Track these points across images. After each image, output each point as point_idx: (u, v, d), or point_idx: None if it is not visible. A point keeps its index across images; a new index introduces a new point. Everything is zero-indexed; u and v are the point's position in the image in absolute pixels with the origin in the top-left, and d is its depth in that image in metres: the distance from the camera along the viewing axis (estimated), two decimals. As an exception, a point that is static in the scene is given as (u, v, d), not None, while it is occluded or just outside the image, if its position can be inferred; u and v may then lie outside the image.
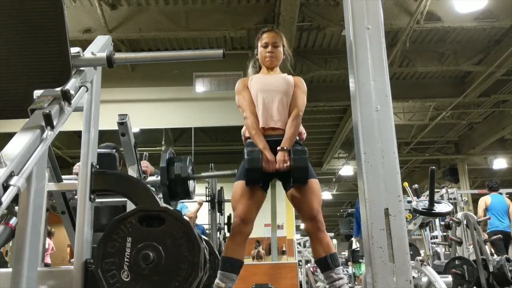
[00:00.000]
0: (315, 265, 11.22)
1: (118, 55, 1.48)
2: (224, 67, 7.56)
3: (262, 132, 2.27)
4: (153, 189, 2.73)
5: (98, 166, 1.59)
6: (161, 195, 2.75)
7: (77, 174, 2.72)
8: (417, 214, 3.59)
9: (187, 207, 6.75)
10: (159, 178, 2.68)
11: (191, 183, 2.82)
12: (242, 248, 2.17)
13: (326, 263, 2.13)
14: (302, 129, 2.44)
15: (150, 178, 2.77)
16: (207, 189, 6.12)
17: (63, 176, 2.09)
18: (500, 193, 6.88)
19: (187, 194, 2.75)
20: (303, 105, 2.36)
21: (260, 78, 2.43)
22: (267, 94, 2.34)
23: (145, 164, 2.85)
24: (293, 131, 2.26)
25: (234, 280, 2.11)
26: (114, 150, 2.83)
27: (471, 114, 10.38)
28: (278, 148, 2.18)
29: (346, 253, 13.60)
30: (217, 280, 2.08)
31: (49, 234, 7.80)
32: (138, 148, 2.54)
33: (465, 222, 4.49)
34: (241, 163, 2.23)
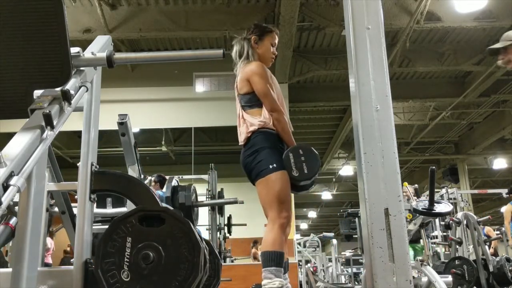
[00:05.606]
0: (315, 265, 11.21)
1: (118, 55, 1.48)
2: (224, 67, 7.55)
3: None
4: None
5: (98, 166, 1.59)
6: None
7: None
8: (417, 214, 3.58)
9: None
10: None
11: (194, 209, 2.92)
12: None
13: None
14: None
15: None
16: (208, 191, 6.12)
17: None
18: None
19: (191, 222, 2.82)
20: None
21: (275, 80, 2.42)
22: (282, 103, 2.40)
23: None
24: None
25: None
26: None
27: (471, 114, 10.37)
28: None
29: (346, 253, 13.59)
30: (275, 279, 1.97)
31: (51, 234, 7.78)
32: (138, 148, 2.54)
33: (465, 222, 4.49)
34: (272, 152, 2.20)
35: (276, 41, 2.44)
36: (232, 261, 6.35)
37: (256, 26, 2.47)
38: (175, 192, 2.76)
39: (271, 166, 2.14)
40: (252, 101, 2.29)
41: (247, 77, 2.29)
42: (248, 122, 2.27)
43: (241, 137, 2.31)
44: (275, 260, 2.02)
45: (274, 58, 2.47)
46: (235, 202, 2.67)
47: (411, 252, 3.80)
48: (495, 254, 7.45)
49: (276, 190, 2.12)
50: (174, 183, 2.79)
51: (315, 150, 2.21)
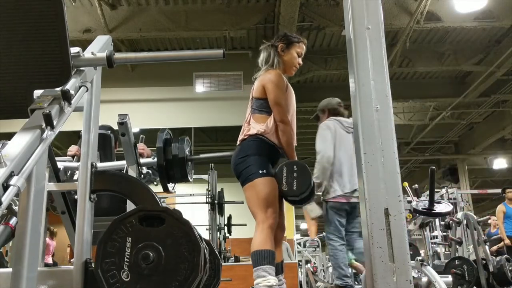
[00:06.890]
0: (315, 265, 11.20)
1: (118, 55, 1.48)
2: (224, 67, 7.56)
3: None
4: (149, 171, 2.65)
5: (97, 166, 1.59)
6: (157, 178, 2.63)
7: (72, 156, 2.71)
8: (417, 214, 3.58)
9: None
10: (155, 160, 2.56)
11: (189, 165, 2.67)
12: None
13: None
14: None
15: (146, 160, 2.63)
16: (208, 191, 6.12)
17: (58, 158, 2.05)
18: None
19: (185, 176, 2.62)
20: None
21: (291, 92, 2.47)
22: (293, 116, 2.47)
23: (141, 146, 2.77)
24: None
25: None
26: (110, 131, 2.83)
27: (471, 114, 10.37)
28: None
29: (346, 253, 13.56)
30: (269, 277, 1.98)
31: (52, 234, 7.78)
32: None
33: (465, 222, 4.49)
34: (262, 159, 2.25)
35: (303, 51, 2.50)
36: (238, 260, 6.33)
37: (285, 35, 2.54)
38: (167, 144, 2.55)
39: (260, 172, 2.19)
40: (262, 107, 2.35)
41: (263, 84, 2.36)
42: (250, 126, 2.33)
43: (239, 137, 2.35)
44: (267, 258, 2.02)
45: (297, 69, 2.53)
46: (230, 156, 2.57)
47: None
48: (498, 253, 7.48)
49: (263, 193, 2.16)
50: (166, 134, 2.59)
51: (309, 169, 2.25)
